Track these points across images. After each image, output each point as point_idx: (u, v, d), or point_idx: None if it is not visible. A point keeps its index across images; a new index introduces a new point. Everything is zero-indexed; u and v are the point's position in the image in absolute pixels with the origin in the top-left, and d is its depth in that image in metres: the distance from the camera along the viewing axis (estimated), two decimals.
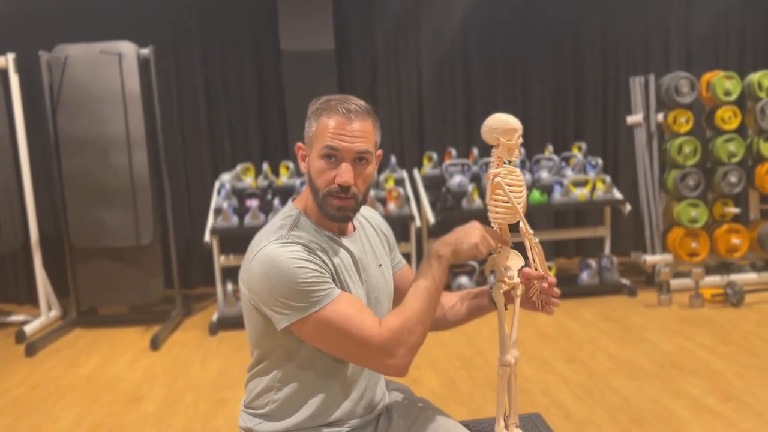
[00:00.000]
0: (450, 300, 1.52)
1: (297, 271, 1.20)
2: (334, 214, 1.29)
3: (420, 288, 1.28)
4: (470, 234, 1.31)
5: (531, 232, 1.34)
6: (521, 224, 1.33)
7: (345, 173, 1.26)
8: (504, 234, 1.35)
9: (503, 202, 1.32)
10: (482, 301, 1.46)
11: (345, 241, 1.35)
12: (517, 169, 1.33)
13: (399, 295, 1.51)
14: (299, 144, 1.37)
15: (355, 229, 1.41)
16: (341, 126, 1.26)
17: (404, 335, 1.22)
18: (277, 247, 1.22)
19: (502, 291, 1.36)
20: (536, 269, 1.37)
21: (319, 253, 1.26)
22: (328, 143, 1.26)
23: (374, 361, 1.24)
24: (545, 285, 1.36)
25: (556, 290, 1.37)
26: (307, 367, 1.30)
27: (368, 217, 1.49)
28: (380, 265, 1.41)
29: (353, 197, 1.28)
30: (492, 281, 1.41)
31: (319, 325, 1.21)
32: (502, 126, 1.30)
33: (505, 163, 1.33)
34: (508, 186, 1.31)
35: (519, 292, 1.36)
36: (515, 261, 1.37)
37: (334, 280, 1.27)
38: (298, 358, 1.30)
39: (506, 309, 1.38)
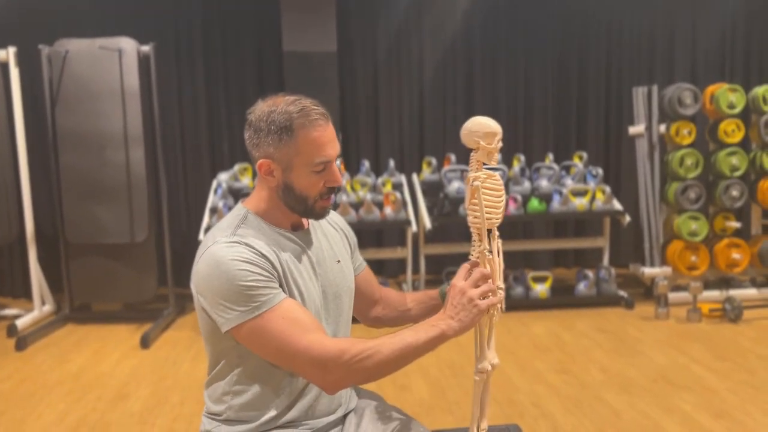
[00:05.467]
0: (402, 300, 1.51)
1: (239, 273, 1.18)
2: (323, 213, 1.31)
3: (403, 341, 1.19)
4: (472, 312, 1.26)
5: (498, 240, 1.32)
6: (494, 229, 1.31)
7: (338, 176, 1.28)
8: (483, 239, 1.32)
9: (483, 206, 1.29)
10: (437, 302, 1.46)
11: (297, 236, 1.33)
12: (497, 174, 1.30)
13: (360, 297, 1.48)
14: (265, 161, 1.25)
15: (308, 225, 1.38)
16: (324, 134, 1.24)
17: (353, 362, 1.17)
18: (222, 247, 1.21)
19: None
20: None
21: (266, 253, 1.23)
22: (322, 159, 1.24)
23: (307, 372, 1.21)
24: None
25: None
26: (261, 368, 1.28)
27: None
28: (339, 261, 1.39)
29: (335, 193, 1.30)
30: (445, 282, 1.39)
31: (256, 330, 1.19)
32: (482, 129, 1.27)
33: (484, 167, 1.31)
34: (489, 190, 1.29)
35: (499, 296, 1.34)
36: None
37: (281, 283, 1.24)
38: (251, 359, 1.27)
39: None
